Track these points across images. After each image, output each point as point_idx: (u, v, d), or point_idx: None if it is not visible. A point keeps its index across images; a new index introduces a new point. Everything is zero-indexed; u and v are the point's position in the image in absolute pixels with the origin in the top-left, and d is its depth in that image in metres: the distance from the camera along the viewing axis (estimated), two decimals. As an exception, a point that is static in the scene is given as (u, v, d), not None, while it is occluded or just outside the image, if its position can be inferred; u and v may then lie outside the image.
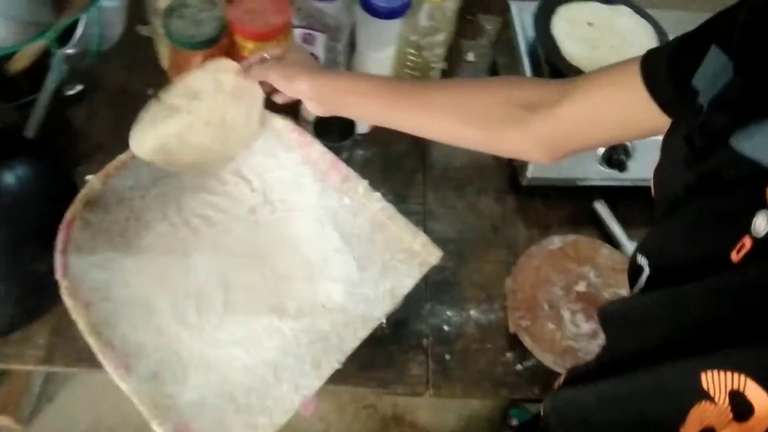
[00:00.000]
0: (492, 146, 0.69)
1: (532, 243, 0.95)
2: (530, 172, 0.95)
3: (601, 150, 0.94)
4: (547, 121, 0.61)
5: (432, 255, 0.81)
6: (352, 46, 1.02)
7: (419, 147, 1.04)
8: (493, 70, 1.14)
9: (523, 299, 0.87)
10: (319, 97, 0.70)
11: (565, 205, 1.01)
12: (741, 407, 0.38)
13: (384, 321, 0.77)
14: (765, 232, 0.38)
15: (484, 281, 0.92)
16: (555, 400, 0.60)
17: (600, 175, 0.97)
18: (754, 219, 0.38)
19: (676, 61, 0.53)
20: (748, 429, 0.38)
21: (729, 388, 0.38)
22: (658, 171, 0.52)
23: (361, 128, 1.02)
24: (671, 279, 0.46)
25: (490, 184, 1.02)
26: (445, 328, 0.88)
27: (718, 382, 0.39)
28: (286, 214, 0.84)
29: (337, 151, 0.91)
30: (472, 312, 0.90)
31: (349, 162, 0.99)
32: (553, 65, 0.95)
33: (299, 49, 0.79)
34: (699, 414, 0.41)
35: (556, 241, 0.92)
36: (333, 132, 0.94)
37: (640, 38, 0.98)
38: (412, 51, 0.92)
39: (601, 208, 0.98)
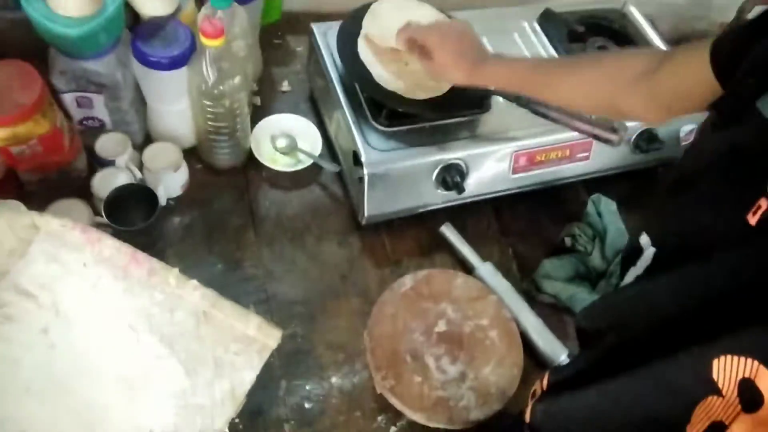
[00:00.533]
0: (608, 112, 0.76)
1: (385, 284, 0.87)
2: (367, 210, 0.88)
3: (435, 174, 0.88)
4: (646, 90, 0.65)
5: (271, 337, 0.71)
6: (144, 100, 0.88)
7: (245, 199, 0.93)
8: (311, 97, 1.04)
9: (383, 356, 0.79)
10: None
11: (412, 234, 0.94)
12: (750, 397, 0.38)
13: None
14: None
15: (341, 340, 0.84)
16: (548, 407, 0.58)
17: (440, 198, 0.91)
18: None
19: (735, 42, 0.53)
20: (759, 419, 0.38)
21: (740, 376, 0.38)
22: (690, 148, 0.54)
23: (173, 189, 0.88)
24: (682, 255, 0.46)
25: (329, 227, 0.93)
26: (307, 405, 0.79)
27: (728, 369, 0.39)
28: (87, 328, 0.70)
29: (140, 236, 0.78)
30: (334, 379, 0.81)
31: (162, 238, 0.86)
32: (367, 95, 0.88)
33: (447, 33, 0.80)
34: (705, 410, 0.41)
35: (407, 282, 0.86)
36: (131, 208, 0.81)
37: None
38: (207, 102, 0.80)
39: (449, 232, 0.93)
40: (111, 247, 0.70)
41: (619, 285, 0.86)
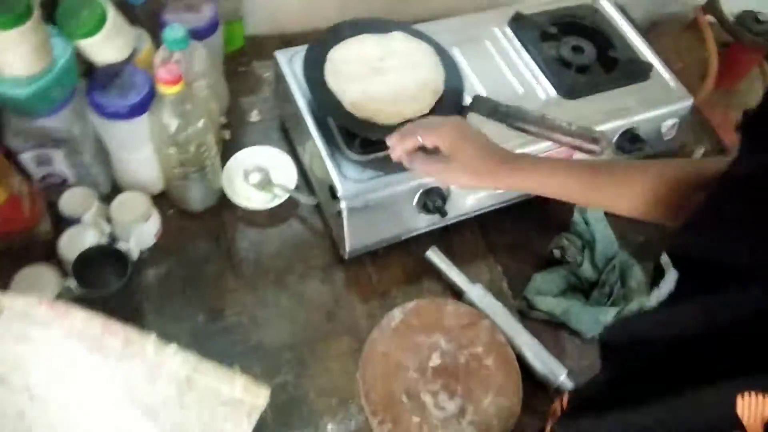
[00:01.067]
0: (675, 221, 0.68)
1: (374, 319, 0.85)
2: (349, 244, 0.84)
3: (415, 199, 0.85)
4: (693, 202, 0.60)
5: (259, 397, 0.68)
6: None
7: (221, 242, 0.89)
8: (282, 125, 1.00)
9: (378, 399, 0.77)
10: None
11: (397, 262, 0.91)
12: None
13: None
14: None
15: (334, 384, 0.81)
16: (567, 428, 0.56)
17: (423, 223, 0.88)
18: None
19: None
20: None
21: (765, 414, 0.37)
22: (723, 178, 0.50)
23: (145, 240, 0.85)
24: (706, 281, 0.44)
25: (312, 262, 0.90)
26: (303, 457, 0.76)
27: (754, 407, 0.37)
28: (65, 407, 0.66)
29: (114, 297, 0.74)
30: (330, 426, 0.78)
31: (139, 291, 0.82)
32: (339, 124, 0.84)
33: (464, 138, 0.70)
34: None
35: (396, 315, 0.83)
36: (102, 268, 0.77)
37: (422, 60, 0.89)
38: (171, 151, 0.76)
39: (435, 257, 0.90)
40: (82, 319, 0.66)
41: (643, 306, 0.84)
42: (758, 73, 1.29)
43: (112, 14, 0.71)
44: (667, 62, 1.06)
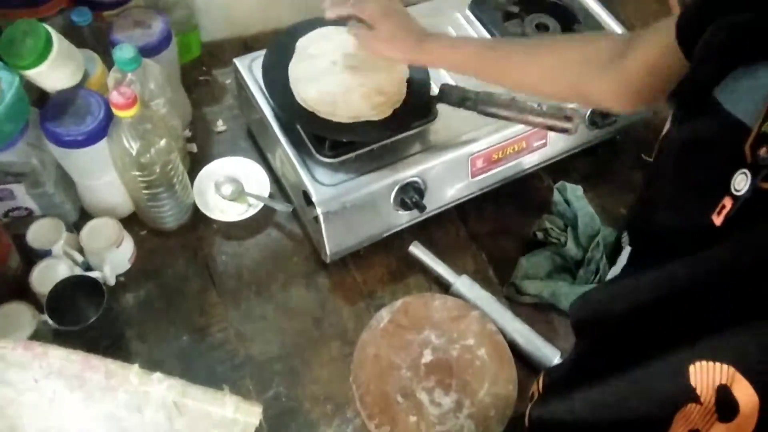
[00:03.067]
0: (573, 99, 0.72)
1: (362, 320, 0.84)
2: (329, 248, 0.83)
3: (392, 197, 0.83)
4: (618, 74, 0.61)
5: (251, 414, 0.66)
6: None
7: (199, 259, 0.87)
8: (249, 132, 0.98)
9: (373, 402, 0.76)
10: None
11: (381, 260, 0.90)
12: (726, 406, 0.37)
13: None
14: (744, 190, 0.36)
15: (328, 390, 0.80)
16: (541, 412, 0.57)
17: (403, 219, 0.87)
18: (734, 178, 0.37)
19: (698, 19, 0.49)
20: (734, 428, 0.37)
21: (717, 382, 0.37)
22: (662, 138, 0.50)
23: (120, 266, 0.83)
24: (654, 253, 0.44)
25: (294, 270, 0.88)
26: (304, 468, 0.75)
27: (705, 375, 0.37)
28: (53, 448, 0.65)
29: (92, 329, 0.72)
30: (327, 434, 0.77)
31: (120, 318, 0.80)
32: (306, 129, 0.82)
33: (386, 12, 0.75)
34: (684, 417, 0.40)
35: (384, 315, 0.82)
36: (77, 299, 0.75)
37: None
38: (136, 173, 0.74)
39: (418, 251, 0.89)
40: (59, 357, 0.64)
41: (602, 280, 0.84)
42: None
43: (58, 40, 0.68)
44: (633, 30, 1.05)
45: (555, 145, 0.95)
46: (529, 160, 0.94)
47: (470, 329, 0.82)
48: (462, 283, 0.86)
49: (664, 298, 0.42)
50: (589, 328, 0.54)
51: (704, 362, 0.38)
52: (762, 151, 0.35)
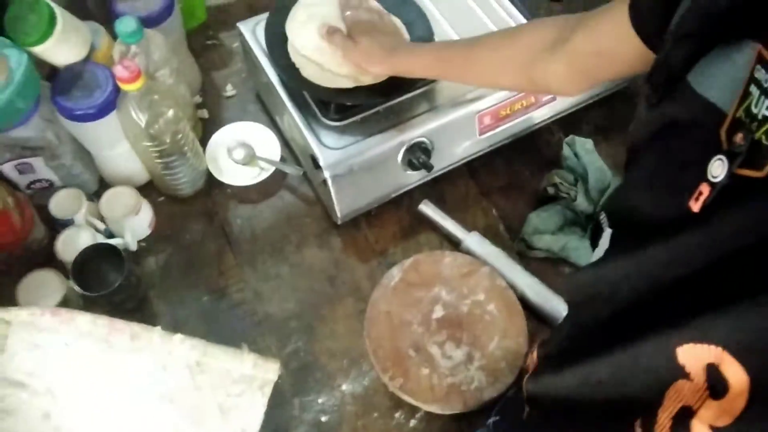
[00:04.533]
0: (529, 87, 0.71)
1: (374, 278, 0.86)
2: (339, 210, 0.85)
3: (399, 157, 0.84)
4: (563, 57, 0.61)
5: (270, 371, 0.70)
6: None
7: (215, 222, 0.90)
8: (258, 96, 0.99)
9: (385, 356, 0.79)
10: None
11: (392, 219, 0.92)
12: (717, 383, 0.37)
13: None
14: (721, 177, 0.36)
15: (343, 345, 0.83)
16: (535, 386, 0.58)
17: (411, 179, 0.88)
18: (710, 164, 0.37)
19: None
20: (725, 406, 0.37)
21: (705, 361, 0.37)
22: (634, 120, 0.49)
23: (140, 232, 0.86)
24: (634, 237, 0.45)
25: (307, 231, 0.90)
26: (323, 419, 0.79)
27: (694, 356, 0.38)
28: (86, 404, 0.69)
29: (117, 293, 0.76)
30: (344, 386, 0.81)
31: (143, 281, 0.84)
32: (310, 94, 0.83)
33: (368, 29, 0.79)
34: (676, 393, 0.40)
35: (395, 273, 0.84)
36: (102, 265, 0.79)
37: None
38: (148, 144, 0.76)
39: (428, 209, 0.90)
40: (86, 322, 0.68)
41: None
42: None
43: (62, 14, 0.69)
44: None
45: (564, 98, 0.94)
46: (539, 115, 0.94)
47: (480, 285, 0.83)
48: (472, 240, 0.88)
49: (646, 283, 0.42)
50: (579, 305, 0.55)
51: (691, 344, 0.38)
52: (737, 137, 0.35)
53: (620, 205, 0.50)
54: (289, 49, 0.82)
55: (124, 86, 0.68)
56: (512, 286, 0.84)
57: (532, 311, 0.85)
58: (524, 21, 0.93)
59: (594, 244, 0.54)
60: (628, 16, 0.51)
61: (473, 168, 0.95)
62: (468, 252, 0.87)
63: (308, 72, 0.80)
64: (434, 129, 0.84)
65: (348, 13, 0.81)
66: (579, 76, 0.62)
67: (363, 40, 0.77)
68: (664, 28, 0.44)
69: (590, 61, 0.59)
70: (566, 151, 0.93)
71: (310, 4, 0.84)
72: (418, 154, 0.83)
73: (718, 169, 0.36)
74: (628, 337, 0.43)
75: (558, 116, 0.96)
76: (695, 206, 0.38)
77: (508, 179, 0.96)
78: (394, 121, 0.83)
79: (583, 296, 0.53)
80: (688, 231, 0.38)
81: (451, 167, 0.91)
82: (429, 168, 0.84)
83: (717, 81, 0.37)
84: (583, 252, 0.87)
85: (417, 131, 0.83)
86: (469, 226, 0.90)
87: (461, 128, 0.86)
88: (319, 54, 0.80)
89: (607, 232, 0.51)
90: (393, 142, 0.82)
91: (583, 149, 0.92)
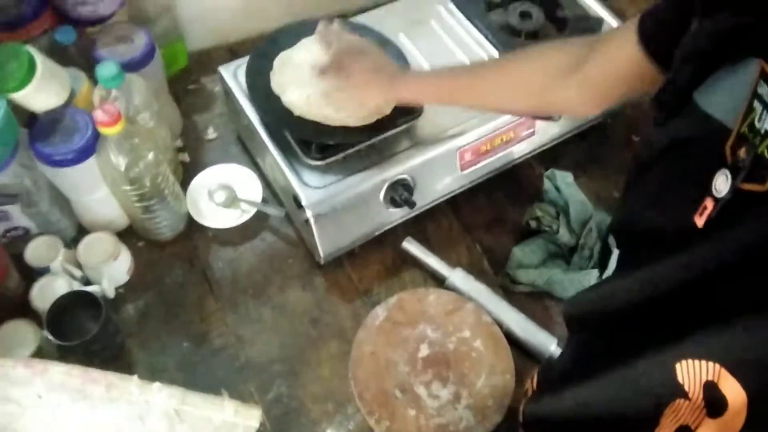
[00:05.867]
0: (542, 110, 0.73)
1: (359, 318, 0.85)
2: (322, 250, 0.84)
3: (382, 195, 0.84)
4: (581, 83, 0.62)
5: (251, 418, 0.68)
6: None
7: (196, 267, 0.89)
8: (239, 138, 0.99)
9: (371, 398, 0.77)
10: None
11: (375, 258, 0.91)
12: (715, 402, 0.37)
13: None
14: (725, 192, 0.36)
15: (328, 389, 0.81)
16: (534, 409, 0.57)
17: (393, 216, 0.88)
18: (714, 179, 0.37)
19: (665, 19, 0.50)
20: (723, 424, 0.37)
21: (704, 379, 0.37)
22: (640, 141, 0.50)
23: (118, 278, 0.84)
24: (641, 255, 0.45)
25: (290, 272, 0.89)
26: (308, 466, 0.76)
27: (692, 372, 0.38)
28: (60, 459, 0.67)
29: (94, 343, 0.74)
30: (329, 431, 0.78)
31: (121, 330, 0.82)
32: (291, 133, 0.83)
33: (356, 55, 0.78)
34: (674, 413, 0.40)
35: (379, 313, 0.83)
36: (77, 314, 0.77)
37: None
38: (128, 187, 0.75)
39: (412, 247, 0.89)
40: (60, 373, 0.66)
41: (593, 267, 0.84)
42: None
43: (41, 62, 0.70)
44: (621, 11, 1.05)
45: (544, 133, 0.95)
46: (519, 150, 0.95)
47: (466, 322, 0.82)
48: (456, 276, 0.87)
49: (650, 299, 0.42)
50: (580, 326, 0.55)
51: (690, 361, 0.38)
52: (741, 152, 0.35)
53: (626, 223, 0.51)
54: (274, 88, 0.83)
55: (103, 130, 0.68)
56: (498, 322, 0.83)
57: (518, 347, 0.83)
58: (498, 55, 0.95)
59: (603, 266, 0.54)
60: (636, 37, 0.52)
61: (456, 204, 0.96)
62: (453, 288, 0.87)
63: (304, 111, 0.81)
64: (416, 166, 0.84)
65: (332, 47, 0.79)
66: (595, 99, 0.63)
67: (355, 71, 0.76)
68: (673, 47, 0.45)
69: (603, 84, 0.60)
70: (547, 184, 0.93)
71: (291, 57, 0.86)
72: (401, 191, 0.83)
73: (722, 184, 0.36)
74: (629, 354, 0.43)
75: (537, 150, 0.97)
76: (699, 221, 0.38)
77: (491, 214, 0.96)
78: (375, 158, 0.84)
79: (585, 316, 0.53)
80: (693, 246, 0.38)
81: (433, 204, 0.91)
82: (411, 205, 0.84)
83: (722, 98, 0.38)
84: (567, 284, 0.87)
85: (399, 168, 0.83)
86: (453, 263, 0.89)
87: (443, 164, 0.87)
88: (316, 107, 0.81)
89: (616, 254, 0.51)
90: (375, 180, 0.82)
91: (563, 182, 0.92)
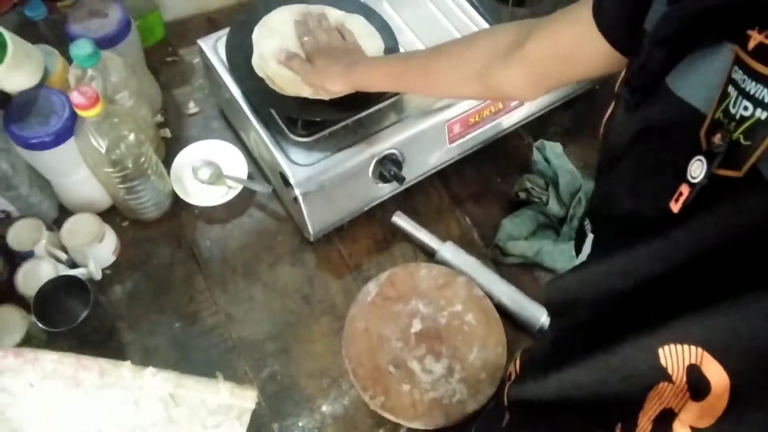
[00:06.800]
0: (487, 94, 0.74)
1: (350, 294, 0.84)
2: (311, 227, 0.83)
3: (370, 171, 0.83)
4: (521, 61, 0.61)
5: (247, 399, 0.68)
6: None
7: (183, 245, 0.87)
8: (222, 113, 0.96)
9: (365, 374, 0.77)
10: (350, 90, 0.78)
11: (365, 233, 0.90)
12: (698, 384, 0.37)
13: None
14: (700, 178, 0.36)
15: (321, 365, 0.81)
16: (517, 393, 0.58)
17: (383, 191, 0.87)
18: (690, 165, 0.37)
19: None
20: (707, 407, 0.37)
21: (687, 362, 0.38)
22: (607, 122, 0.49)
23: (104, 259, 0.83)
24: (615, 240, 0.45)
25: (279, 249, 0.88)
26: (304, 442, 0.77)
27: (675, 357, 0.38)
28: (56, 446, 0.66)
29: (83, 327, 0.73)
30: (324, 407, 0.79)
31: (110, 312, 0.81)
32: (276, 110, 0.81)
33: (326, 50, 0.79)
34: (657, 395, 0.40)
35: (371, 288, 0.83)
36: (65, 298, 0.75)
37: (357, 32, 0.84)
38: (110, 170, 0.73)
39: (401, 221, 0.89)
40: (52, 361, 0.66)
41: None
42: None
43: (12, 39, 0.66)
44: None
45: (532, 102, 0.94)
46: (508, 120, 0.93)
47: (457, 295, 0.83)
48: (446, 250, 0.87)
49: (628, 285, 0.42)
50: (561, 311, 0.55)
51: (673, 345, 0.38)
52: (716, 138, 0.35)
53: (601, 208, 0.50)
54: (254, 62, 0.80)
55: (81, 112, 0.65)
56: (489, 295, 0.84)
57: (510, 319, 0.84)
58: (485, 23, 0.92)
59: (578, 250, 0.53)
60: (591, 18, 0.51)
61: (445, 177, 0.95)
62: (443, 262, 0.87)
63: (277, 82, 0.78)
64: (404, 140, 0.83)
65: (305, 38, 0.81)
66: (536, 81, 0.61)
67: (317, 59, 0.77)
68: (633, 28, 0.44)
69: (548, 65, 0.58)
70: (536, 155, 0.93)
71: (273, 22, 0.83)
72: (389, 167, 0.82)
73: (697, 170, 0.36)
74: (610, 339, 0.43)
75: (526, 121, 0.96)
76: (675, 207, 0.38)
77: (480, 186, 0.96)
78: (363, 134, 0.82)
79: (565, 301, 0.52)
80: (669, 231, 0.38)
81: (422, 177, 0.90)
82: (401, 180, 0.83)
83: (696, 83, 0.37)
84: (557, 256, 0.87)
85: (387, 143, 0.82)
86: (443, 236, 0.89)
87: (431, 138, 0.86)
88: (286, 73, 0.79)
89: (590, 238, 0.51)
90: (363, 156, 0.81)
91: (552, 153, 0.92)
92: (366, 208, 0.88)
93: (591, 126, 1.03)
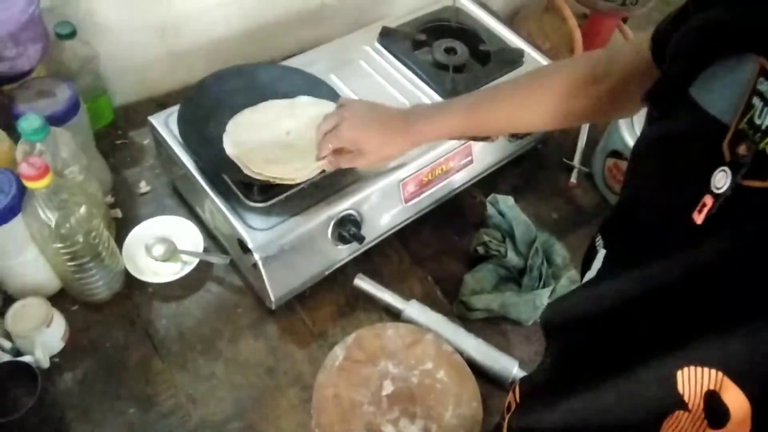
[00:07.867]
0: (566, 124, 0.74)
1: (317, 362, 0.81)
2: (273, 294, 0.81)
3: (329, 232, 0.82)
4: (600, 91, 0.65)
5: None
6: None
7: (137, 326, 0.83)
8: (175, 189, 0.96)
9: (339, 443, 0.73)
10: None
11: (328, 298, 0.89)
12: (716, 412, 0.36)
13: None
14: (725, 188, 0.35)
15: (291, 440, 0.77)
16: (522, 422, 0.55)
17: (343, 253, 0.86)
18: (713, 176, 0.36)
19: (671, 26, 0.49)
20: None
21: (705, 388, 0.36)
22: (636, 143, 0.48)
23: (53, 346, 0.78)
24: (633, 255, 0.43)
25: (239, 322, 0.85)
26: None
27: (693, 381, 0.37)
28: None
29: (30, 418, 0.67)
30: (296, 486, 0.74)
31: (59, 402, 0.75)
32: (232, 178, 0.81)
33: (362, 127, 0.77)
34: (673, 424, 0.39)
35: (338, 352, 0.80)
36: (12, 386, 0.70)
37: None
38: (58, 245, 0.70)
39: (363, 283, 0.88)
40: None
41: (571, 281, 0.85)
42: (619, 36, 1.37)
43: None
44: (536, 45, 1.10)
45: (481, 160, 0.98)
46: (459, 178, 0.96)
47: (427, 353, 0.81)
48: (412, 308, 0.86)
49: (646, 302, 0.41)
50: (561, 331, 0.53)
51: (692, 367, 0.36)
52: (741, 148, 0.35)
53: (618, 221, 0.49)
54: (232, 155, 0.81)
55: (30, 184, 0.64)
56: (459, 351, 0.82)
57: (480, 373, 0.82)
58: (428, 89, 0.97)
59: (586, 268, 0.52)
60: (650, 48, 0.53)
61: (403, 237, 0.95)
62: (409, 321, 0.85)
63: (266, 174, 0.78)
64: (361, 200, 0.84)
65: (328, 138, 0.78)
66: (613, 106, 0.67)
67: (363, 141, 0.76)
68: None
69: (626, 93, 0.62)
70: (490, 209, 0.95)
71: (248, 119, 0.85)
72: (348, 227, 0.82)
73: (721, 180, 0.36)
74: (626, 360, 0.41)
75: (477, 178, 0.99)
76: (698, 218, 0.37)
77: (439, 245, 0.97)
78: (319, 196, 0.82)
79: (566, 319, 0.51)
80: (692, 243, 0.37)
81: (381, 238, 0.91)
82: (360, 240, 0.83)
83: (719, 94, 0.37)
84: (522, 307, 0.87)
85: (344, 204, 0.82)
86: (406, 296, 0.88)
87: (387, 197, 0.87)
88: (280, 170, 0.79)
89: (601, 254, 0.49)
90: (321, 217, 0.81)
91: (506, 206, 0.94)
92: (327, 272, 0.87)
93: (538, 182, 1.07)
